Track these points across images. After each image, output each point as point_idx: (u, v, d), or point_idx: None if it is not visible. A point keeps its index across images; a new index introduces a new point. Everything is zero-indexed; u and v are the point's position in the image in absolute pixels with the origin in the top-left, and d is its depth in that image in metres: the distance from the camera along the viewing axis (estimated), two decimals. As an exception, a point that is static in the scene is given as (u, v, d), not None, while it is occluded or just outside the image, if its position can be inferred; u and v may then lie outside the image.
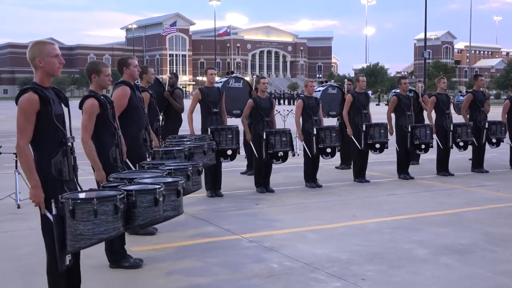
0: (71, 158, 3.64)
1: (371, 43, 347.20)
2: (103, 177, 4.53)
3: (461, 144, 10.30)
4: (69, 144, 3.64)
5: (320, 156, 8.97)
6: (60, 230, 3.34)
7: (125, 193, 3.55)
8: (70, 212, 3.29)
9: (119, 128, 4.87)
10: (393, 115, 9.92)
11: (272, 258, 5.21)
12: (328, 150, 8.86)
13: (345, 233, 6.16)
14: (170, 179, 4.09)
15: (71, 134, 3.69)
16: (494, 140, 10.70)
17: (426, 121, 10.60)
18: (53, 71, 3.58)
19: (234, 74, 10.52)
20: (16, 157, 7.49)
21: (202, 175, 5.51)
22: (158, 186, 3.74)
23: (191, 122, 8.12)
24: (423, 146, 9.72)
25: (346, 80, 12.07)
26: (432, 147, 9.90)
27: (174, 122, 9.13)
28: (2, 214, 7.02)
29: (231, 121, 8.65)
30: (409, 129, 9.66)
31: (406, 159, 9.98)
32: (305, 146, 8.87)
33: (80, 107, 4.71)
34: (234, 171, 10.41)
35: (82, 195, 3.48)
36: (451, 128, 10.13)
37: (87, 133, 4.62)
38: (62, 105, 3.69)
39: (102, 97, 4.72)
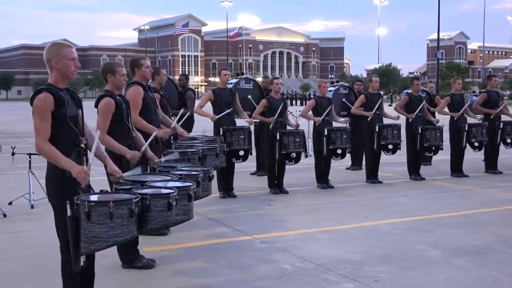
0: (83, 159, 3.66)
1: (384, 43, 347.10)
2: (136, 156, 4.62)
3: (476, 144, 10.22)
4: (82, 145, 3.66)
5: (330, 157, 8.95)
6: (74, 231, 3.36)
7: (140, 196, 3.55)
8: (85, 214, 3.29)
9: (133, 129, 4.90)
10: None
11: (283, 259, 5.21)
12: (339, 151, 8.85)
13: (357, 234, 6.15)
14: (182, 184, 4.08)
15: (84, 136, 3.71)
16: (508, 141, 10.62)
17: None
18: (68, 73, 3.60)
19: (244, 75, 10.55)
20: (29, 158, 7.60)
21: (214, 178, 5.50)
22: (172, 191, 3.75)
23: (203, 112, 8.04)
24: (433, 148, 9.69)
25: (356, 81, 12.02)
26: (442, 149, 9.85)
27: (187, 122, 9.14)
28: (16, 214, 7.08)
29: (241, 122, 8.63)
30: (420, 131, 9.61)
31: (417, 160, 9.92)
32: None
33: (96, 106, 4.75)
34: (245, 172, 10.42)
35: (97, 198, 3.49)
36: (466, 129, 10.07)
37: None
38: (76, 106, 3.70)
39: (118, 97, 4.76)
